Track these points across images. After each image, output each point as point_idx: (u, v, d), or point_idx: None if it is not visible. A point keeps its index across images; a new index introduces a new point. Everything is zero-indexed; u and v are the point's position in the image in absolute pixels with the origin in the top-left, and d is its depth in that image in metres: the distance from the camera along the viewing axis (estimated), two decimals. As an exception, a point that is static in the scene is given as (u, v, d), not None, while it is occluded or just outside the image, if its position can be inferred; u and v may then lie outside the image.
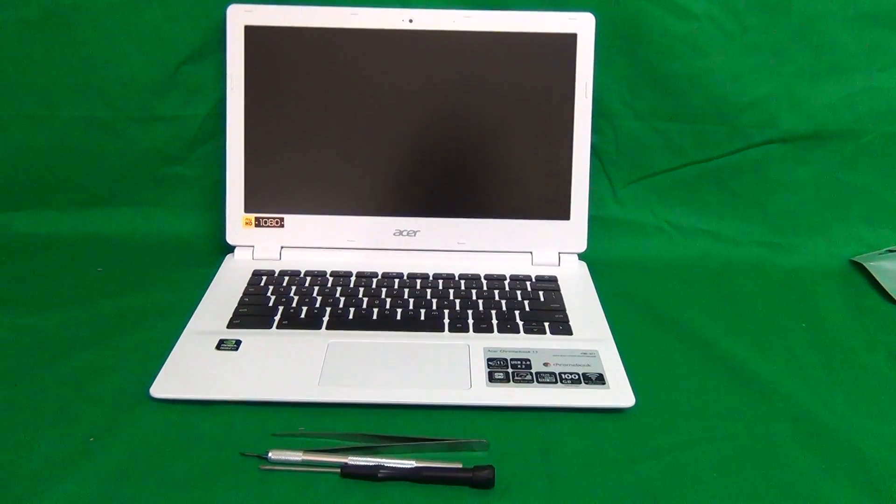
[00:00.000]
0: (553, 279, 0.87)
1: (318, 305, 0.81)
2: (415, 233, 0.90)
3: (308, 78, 0.87)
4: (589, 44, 0.87)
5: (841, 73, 0.92)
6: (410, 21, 0.87)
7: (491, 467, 0.60)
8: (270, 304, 0.81)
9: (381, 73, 0.87)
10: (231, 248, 0.91)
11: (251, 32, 0.87)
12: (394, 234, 0.90)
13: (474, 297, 0.83)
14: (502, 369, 0.71)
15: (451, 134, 0.89)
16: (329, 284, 0.85)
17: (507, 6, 0.90)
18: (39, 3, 0.90)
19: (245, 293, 0.83)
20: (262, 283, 0.85)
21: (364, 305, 0.81)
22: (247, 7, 0.87)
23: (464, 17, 0.87)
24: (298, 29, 0.87)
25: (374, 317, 0.79)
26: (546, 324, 0.78)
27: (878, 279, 0.90)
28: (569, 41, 0.87)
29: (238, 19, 0.87)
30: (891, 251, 0.95)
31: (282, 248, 0.90)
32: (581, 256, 0.91)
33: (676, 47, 0.91)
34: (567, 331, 0.78)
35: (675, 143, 0.95)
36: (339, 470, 0.60)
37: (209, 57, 0.93)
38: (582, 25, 0.87)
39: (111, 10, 0.91)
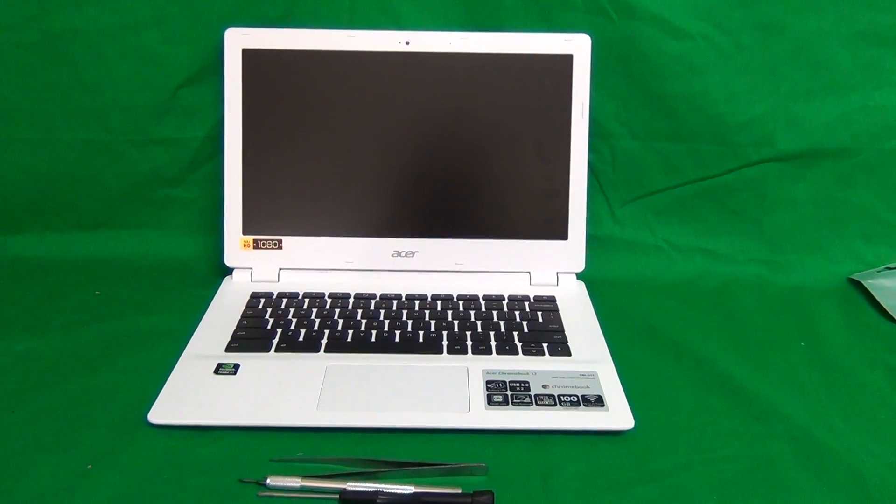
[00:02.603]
0: (551, 299, 0.87)
1: (316, 328, 0.80)
2: (413, 253, 0.90)
3: (305, 100, 0.88)
4: (585, 64, 0.88)
5: (837, 92, 0.93)
6: (407, 43, 0.87)
7: (490, 492, 0.59)
8: (269, 326, 0.81)
9: (378, 95, 0.88)
10: (229, 271, 0.91)
11: (249, 55, 0.87)
12: (392, 255, 0.90)
13: (472, 319, 0.83)
14: (501, 392, 0.70)
15: (449, 155, 0.89)
16: (327, 306, 0.85)
17: (503, 28, 0.90)
18: (37, 28, 0.91)
19: (243, 316, 0.83)
20: (261, 306, 0.85)
21: (362, 327, 0.81)
22: (244, 30, 0.87)
23: (460, 39, 0.87)
24: (296, 52, 0.87)
25: (373, 339, 0.79)
26: (545, 345, 0.78)
27: (876, 297, 0.90)
28: (565, 62, 0.88)
29: (235, 42, 0.87)
30: (889, 269, 0.95)
31: (280, 269, 0.90)
32: (579, 276, 0.91)
33: (672, 67, 0.91)
34: (566, 352, 0.77)
35: (672, 163, 0.96)
36: (337, 496, 0.60)
37: (207, 80, 0.93)
38: (578, 46, 0.87)
39: (109, 33, 0.91)
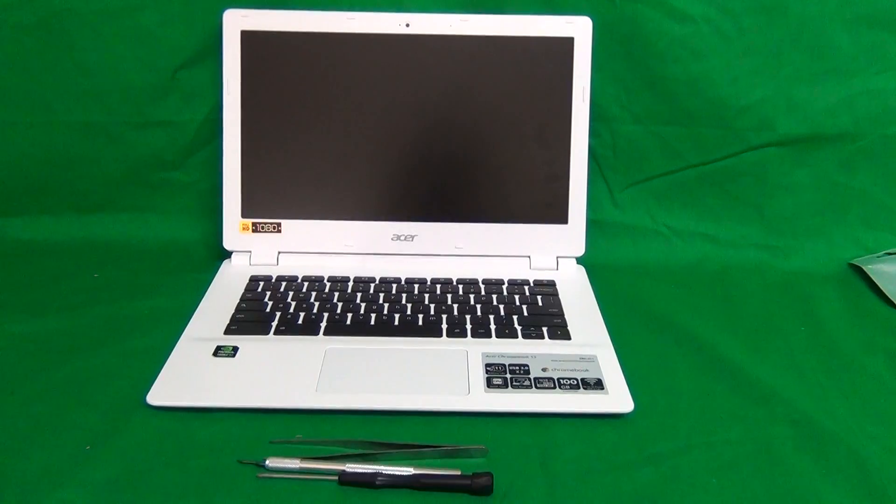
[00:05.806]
0: (551, 283, 0.87)
1: (315, 311, 0.80)
2: (412, 237, 0.90)
3: (305, 83, 0.87)
4: (586, 47, 0.87)
5: (839, 76, 0.92)
6: (407, 25, 0.87)
7: (489, 474, 0.59)
8: (268, 309, 0.81)
9: (378, 78, 0.87)
10: (228, 254, 0.91)
11: (247, 37, 0.87)
12: (391, 239, 0.90)
13: (472, 302, 0.83)
14: (500, 375, 0.70)
15: (449, 138, 0.88)
16: (326, 290, 0.84)
17: (504, 10, 0.90)
18: (35, 8, 0.90)
19: (242, 299, 0.83)
20: (260, 289, 0.84)
21: (362, 311, 0.80)
22: (243, 12, 0.87)
23: (461, 21, 0.87)
24: (295, 34, 0.87)
25: (372, 322, 0.79)
26: (544, 329, 0.78)
27: (876, 282, 0.90)
28: (566, 45, 0.87)
29: (234, 24, 0.87)
30: (889, 254, 0.94)
31: (279, 253, 0.90)
32: (579, 260, 0.91)
33: (674, 50, 0.91)
34: (565, 336, 0.77)
35: (673, 147, 0.95)
36: (336, 477, 0.60)
37: (205, 62, 0.93)
38: (579, 29, 0.87)
39: (107, 14, 0.91)
